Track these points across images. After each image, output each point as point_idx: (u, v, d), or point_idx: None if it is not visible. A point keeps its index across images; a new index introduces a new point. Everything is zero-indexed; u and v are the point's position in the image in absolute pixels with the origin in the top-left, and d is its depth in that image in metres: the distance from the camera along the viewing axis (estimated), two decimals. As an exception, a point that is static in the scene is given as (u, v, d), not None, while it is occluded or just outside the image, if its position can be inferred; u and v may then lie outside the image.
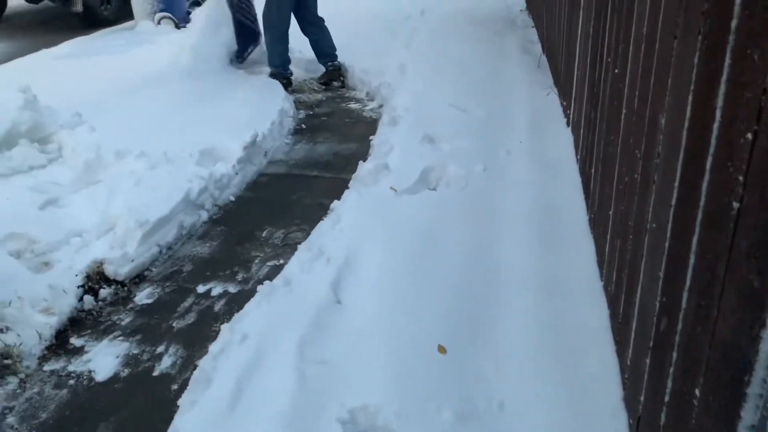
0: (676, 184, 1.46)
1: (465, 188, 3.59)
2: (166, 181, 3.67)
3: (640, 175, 1.88)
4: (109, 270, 3.04)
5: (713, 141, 1.22)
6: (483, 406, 2.10)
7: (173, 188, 3.61)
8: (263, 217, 3.70)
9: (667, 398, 1.46)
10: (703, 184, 1.26)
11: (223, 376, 2.30)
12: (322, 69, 6.13)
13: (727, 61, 1.16)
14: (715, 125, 1.21)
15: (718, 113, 1.20)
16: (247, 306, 2.68)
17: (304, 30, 5.99)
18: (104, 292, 2.96)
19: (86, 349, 2.64)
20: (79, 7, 8.32)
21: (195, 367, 2.43)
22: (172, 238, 3.41)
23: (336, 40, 6.00)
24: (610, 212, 2.39)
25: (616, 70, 2.38)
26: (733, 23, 1.14)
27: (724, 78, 1.18)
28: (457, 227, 3.16)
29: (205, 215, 3.69)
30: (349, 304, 2.66)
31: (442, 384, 2.18)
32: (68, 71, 6.29)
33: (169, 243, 3.38)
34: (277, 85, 5.71)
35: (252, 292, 2.84)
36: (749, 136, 1.04)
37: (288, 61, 5.91)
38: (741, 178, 1.06)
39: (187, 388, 2.28)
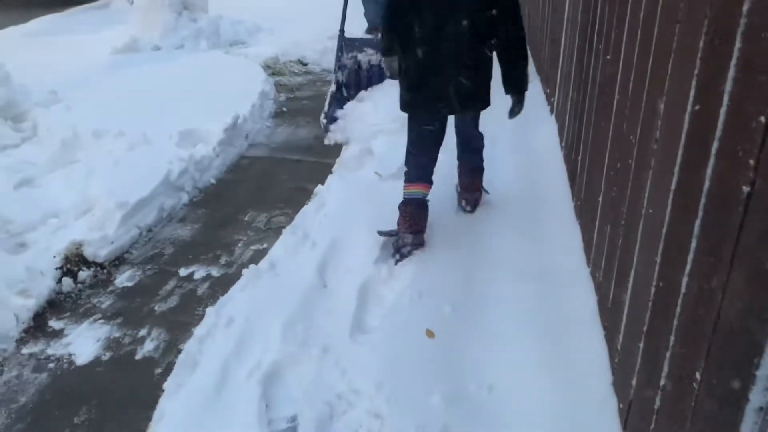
0: (677, 169, 1.46)
1: (450, 174, 3.58)
2: (145, 162, 3.60)
3: (635, 160, 1.88)
4: (89, 252, 2.97)
5: (719, 126, 1.22)
6: (472, 389, 2.11)
7: (153, 169, 3.54)
8: (245, 200, 3.65)
9: (662, 382, 1.47)
10: (708, 169, 1.26)
11: (209, 359, 2.27)
12: (303, 53, 6.09)
13: (737, 44, 1.16)
14: (722, 110, 1.21)
15: (725, 98, 1.20)
16: (233, 289, 2.65)
17: None
18: (83, 274, 2.90)
19: (66, 332, 2.58)
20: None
21: (179, 350, 2.39)
22: (153, 220, 3.35)
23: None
24: (599, 199, 2.39)
25: (608, 57, 2.37)
26: (745, 7, 1.14)
27: (732, 62, 1.18)
28: (443, 212, 3.15)
29: (185, 197, 3.63)
30: (335, 287, 2.64)
31: (432, 368, 2.18)
32: (40, 49, 6.14)
33: (149, 225, 3.32)
34: (256, 67, 5.63)
35: (236, 276, 2.81)
36: (762, 119, 1.03)
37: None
38: (752, 162, 1.06)
39: (173, 371, 2.24)
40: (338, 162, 3.82)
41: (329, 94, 4.64)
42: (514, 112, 2.79)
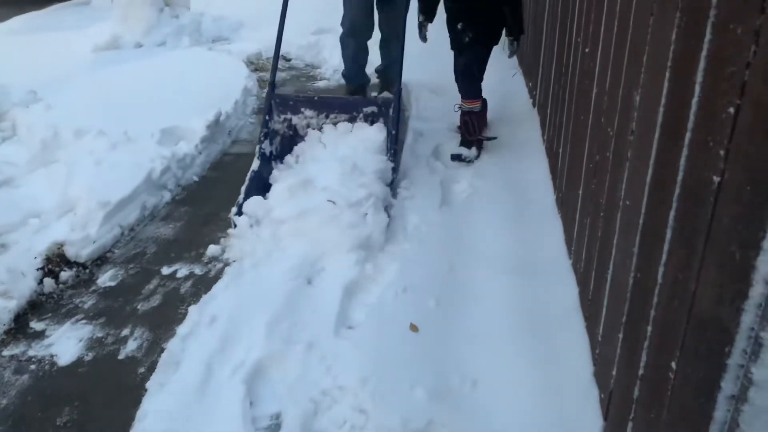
0: (652, 160, 1.47)
1: (434, 169, 3.59)
2: (127, 161, 3.57)
3: (612, 153, 1.89)
4: (70, 252, 2.95)
5: (691, 117, 1.23)
6: (457, 383, 2.11)
7: (135, 168, 3.51)
8: (228, 197, 3.61)
9: (641, 372, 1.48)
10: (681, 160, 1.27)
11: (192, 358, 2.26)
12: (286, 48, 6.05)
13: (707, 36, 1.17)
14: (694, 101, 1.22)
15: (697, 89, 1.21)
16: (215, 287, 2.64)
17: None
18: (65, 274, 2.87)
19: (47, 333, 2.56)
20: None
21: (162, 349, 2.37)
22: (135, 219, 3.32)
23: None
24: (579, 191, 2.41)
25: (587, 50, 2.39)
26: (714, -1, 1.14)
27: (703, 54, 1.19)
28: (426, 207, 3.16)
29: (168, 196, 3.61)
30: (319, 284, 2.64)
31: (416, 362, 2.18)
32: (20, 47, 6.06)
33: (131, 224, 3.29)
34: (239, 63, 5.60)
35: (219, 274, 2.80)
36: (731, 110, 1.04)
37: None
38: (722, 152, 1.07)
39: (156, 370, 2.23)
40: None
41: (248, 176, 3.33)
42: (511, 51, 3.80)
